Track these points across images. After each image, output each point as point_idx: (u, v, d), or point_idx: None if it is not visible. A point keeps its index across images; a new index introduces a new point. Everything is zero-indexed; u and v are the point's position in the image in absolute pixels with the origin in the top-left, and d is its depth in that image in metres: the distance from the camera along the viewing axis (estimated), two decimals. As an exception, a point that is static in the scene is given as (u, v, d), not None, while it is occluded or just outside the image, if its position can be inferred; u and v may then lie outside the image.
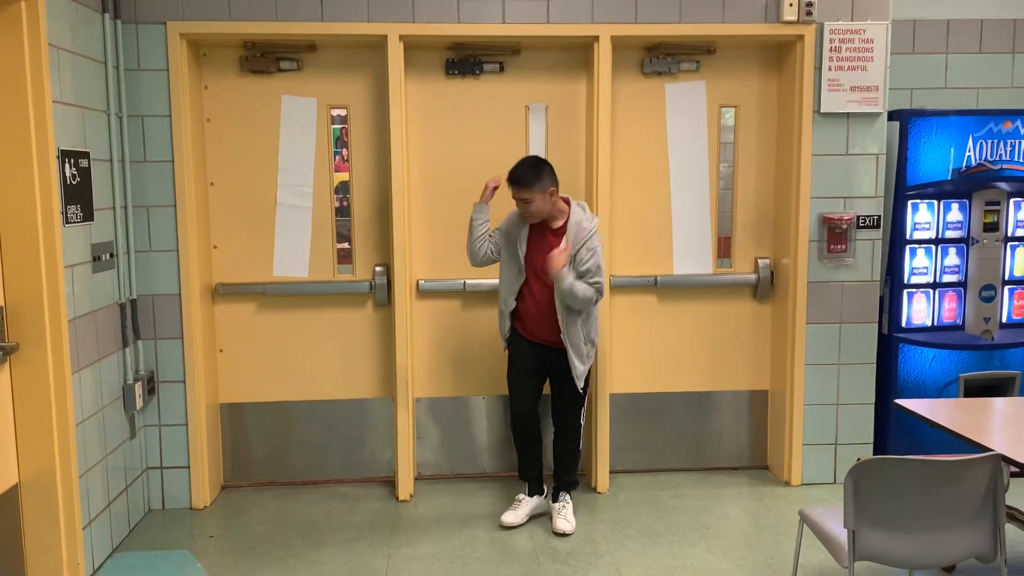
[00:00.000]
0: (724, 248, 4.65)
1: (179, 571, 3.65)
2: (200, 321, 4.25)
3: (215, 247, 4.44)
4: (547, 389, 4.08)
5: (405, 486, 4.41)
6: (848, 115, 4.33)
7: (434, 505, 4.33)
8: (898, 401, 3.37)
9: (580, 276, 3.74)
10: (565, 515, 4.01)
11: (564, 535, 3.94)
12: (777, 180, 4.57)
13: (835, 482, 4.55)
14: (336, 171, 4.46)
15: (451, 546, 3.86)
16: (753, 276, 4.61)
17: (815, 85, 4.29)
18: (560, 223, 3.86)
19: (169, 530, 4.09)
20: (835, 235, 4.37)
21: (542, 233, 3.88)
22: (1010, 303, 4.62)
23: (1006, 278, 4.59)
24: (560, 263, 3.67)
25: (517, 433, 4.10)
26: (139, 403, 4.03)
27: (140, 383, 4.04)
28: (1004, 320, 4.61)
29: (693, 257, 4.61)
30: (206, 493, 4.32)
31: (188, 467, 4.28)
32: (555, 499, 4.09)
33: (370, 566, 3.68)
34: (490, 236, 3.98)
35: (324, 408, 4.59)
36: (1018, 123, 4.45)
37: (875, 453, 4.56)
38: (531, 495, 4.13)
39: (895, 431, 4.56)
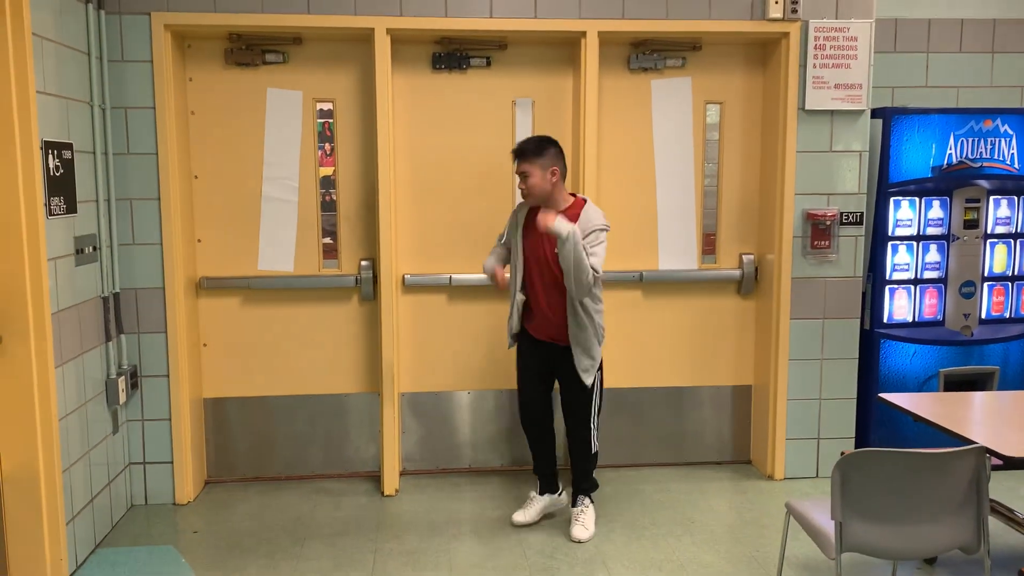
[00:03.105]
0: (709, 244, 4.68)
1: (164, 567, 3.62)
2: (184, 315, 4.22)
3: (199, 240, 4.40)
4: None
5: (390, 481, 4.40)
6: (832, 112, 4.37)
7: (420, 500, 4.32)
8: (882, 395, 3.41)
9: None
10: (582, 521, 3.86)
11: (578, 542, 3.80)
12: (762, 176, 4.61)
13: (817, 476, 4.59)
14: (322, 165, 4.44)
15: (437, 541, 3.86)
16: (738, 272, 4.64)
17: (800, 82, 4.32)
18: (560, 211, 3.65)
19: (152, 525, 4.05)
20: (819, 231, 4.41)
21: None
22: (989, 299, 4.68)
23: (985, 275, 4.65)
24: (551, 218, 3.47)
25: (525, 428, 4.02)
26: (122, 398, 3.99)
27: (123, 377, 4.00)
28: (983, 316, 4.67)
29: (678, 253, 4.64)
30: (189, 488, 4.29)
31: (171, 462, 4.25)
32: (573, 503, 3.96)
33: (356, 561, 3.66)
34: (501, 245, 3.97)
35: (308, 403, 4.57)
36: (998, 121, 4.51)
37: (857, 447, 4.60)
38: (542, 493, 4.03)
39: (876, 425, 4.61)
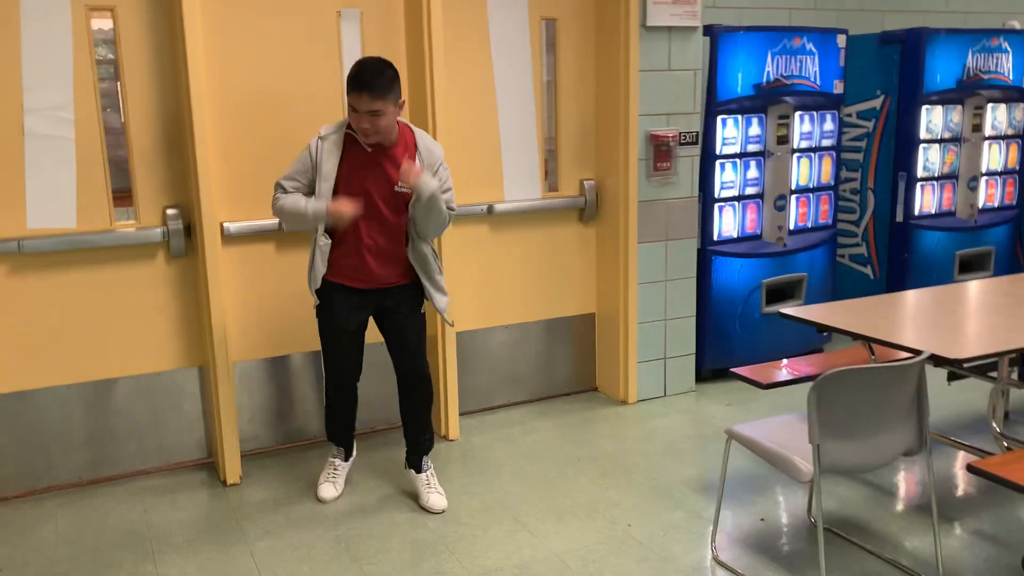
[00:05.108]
0: (550, 171, 4.46)
1: (-25, 627, 2.75)
2: (-66, 295, 3.18)
3: (-60, 195, 3.33)
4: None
5: (232, 467, 3.73)
6: (670, 29, 4.29)
7: (271, 484, 3.72)
8: (784, 310, 3.43)
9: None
10: (435, 486, 3.51)
11: (441, 511, 3.42)
12: (599, 98, 4.44)
13: (665, 395, 4.65)
14: (104, 91, 3.53)
15: (320, 528, 3.33)
16: (581, 199, 4.48)
17: (640, -2, 4.18)
18: (397, 147, 3.21)
19: (-72, 574, 3.08)
20: (661, 153, 4.36)
21: (375, 160, 3.19)
22: (796, 211, 4.98)
23: (793, 188, 4.93)
24: (418, 172, 3.09)
25: (339, 402, 3.57)
26: None
27: None
28: (792, 227, 4.96)
29: (522, 182, 4.36)
30: (-33, 517, 3.32)
31: (-61, 488, 3.25)
32: (419, 469, 3.54)
33: (235, 570, 3.05)
34: (297, 189, 3.25)
35: (108, 389, 3.72)
36: (804, 39, 4.72)
37: (696, 363, 4.73)
38: (347, 459, 3.67)
39: (711, 339, 4.76)
